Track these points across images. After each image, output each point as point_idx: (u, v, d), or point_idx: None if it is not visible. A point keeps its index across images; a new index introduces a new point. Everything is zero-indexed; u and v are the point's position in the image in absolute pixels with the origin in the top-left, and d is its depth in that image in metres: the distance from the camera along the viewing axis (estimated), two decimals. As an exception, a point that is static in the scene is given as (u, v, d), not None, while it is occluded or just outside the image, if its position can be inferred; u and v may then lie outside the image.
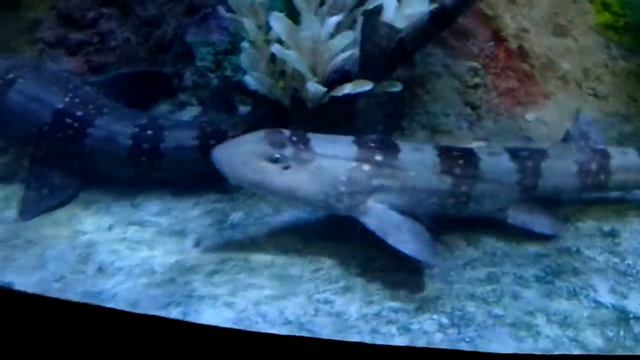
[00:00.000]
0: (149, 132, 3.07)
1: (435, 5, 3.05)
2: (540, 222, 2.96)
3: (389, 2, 3.24)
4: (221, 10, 3.16)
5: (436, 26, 3.04)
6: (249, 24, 3.06)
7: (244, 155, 2.69)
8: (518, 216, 2.95)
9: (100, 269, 2.74)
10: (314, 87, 3.03)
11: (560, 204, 3.03)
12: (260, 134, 2.74)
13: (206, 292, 2.62)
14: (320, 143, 2.77)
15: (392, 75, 3.24)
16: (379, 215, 2.73)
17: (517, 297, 2.65)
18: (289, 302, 2.60)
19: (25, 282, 2.60)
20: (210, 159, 2.71)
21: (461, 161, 2.85)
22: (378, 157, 2.77)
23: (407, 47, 3.08)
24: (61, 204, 3.05)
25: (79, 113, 3.07)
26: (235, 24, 3.21)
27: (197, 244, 2.89)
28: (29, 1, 4.53)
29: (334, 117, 3.12)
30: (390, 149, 2.80)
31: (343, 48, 3.04)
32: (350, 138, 2.82)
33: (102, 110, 3.11)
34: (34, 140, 3.06)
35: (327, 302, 2.62)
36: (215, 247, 2.87)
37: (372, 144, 2.80)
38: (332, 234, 2.92)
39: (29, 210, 3.00)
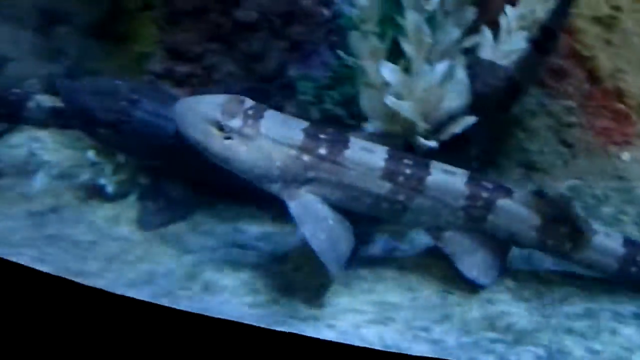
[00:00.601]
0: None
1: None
2: (469, 262, 2.85)
3: (485, 40, 3.32)
4: (341, 53, 3.27)
5: (541, 51, 3.07)
6: (370, 67, 3.15)
7: (196, 114, 2.79)
8: (450, 244, 2.86)
9: (206, 287, 2.86)
10: (426, 142, 3.10)
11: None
12: (221, 98, 2.82)
13: (309, 314, 2.71)
14: (271, 123, 2.79)
15: (505, 115, 3.30)
16: (306, 205, 2.76)
17: (615, 333, 2.65)
18: (387, 327, 2.67)
19: (136, 296, 2.74)
20: None
21: (409, 171, 2.80)
22: (322, 150, 2.78)
23: (517, 83, 3.13)
24: (179, 218, 3.22)
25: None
26: (354, 66, 3.28)
27: (297, 269, 2.99)
28: (136, 35, 4.81)
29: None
30: (339, 145, 2.79)
31: (453, 93, 3.10)
32: (303, 125, 2.83)
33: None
34: (158, 153, 3.24)
35: (424, 329, 2.67)
36: (315, 272, 2.96)
37: (323, 136, 2.80)
38: (429, 266, 2.99)
39: (149, 221, 3.18)
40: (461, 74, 3.14)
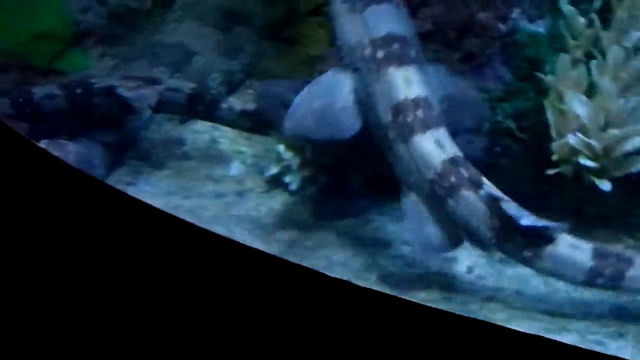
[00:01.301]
0: None
1: None
2: (419, 229, 2.85)
3: None
4: (540, 75, 3.29)
5: None
6: (569, 94, 3.12)
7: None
8: (410, 205, 2.86)
9: (382, 279, 2.99)
10: (599, 183, 3.08)
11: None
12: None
13: (482, 315, 2.78)
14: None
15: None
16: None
17: None
18: (562, 337, 2.69)
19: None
20: None
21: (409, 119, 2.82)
22: None
23: None
24: (353, 214, 3.36)
25: None
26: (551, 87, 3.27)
27: (470, 270, 3.07)
28: (307, 39, 5.02)
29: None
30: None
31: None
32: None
33: None
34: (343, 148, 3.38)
35: (599, 343, 2.69)
36: (487, 276, 3.03)
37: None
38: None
39: (324, 213, 3.35)
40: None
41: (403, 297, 2.71)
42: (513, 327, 2.61)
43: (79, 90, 3.56)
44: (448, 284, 3.00)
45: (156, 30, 4.49)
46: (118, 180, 3.48)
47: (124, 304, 2.38)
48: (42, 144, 3.29)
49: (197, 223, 2.75)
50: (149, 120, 3.80)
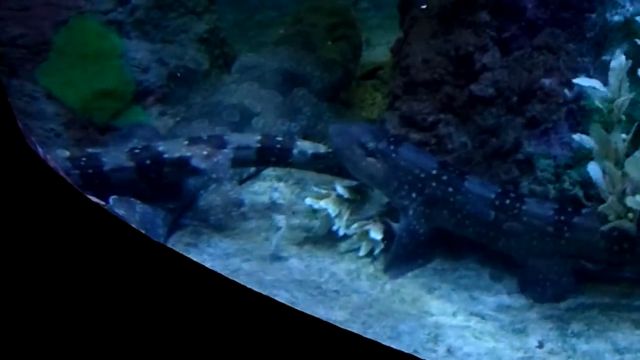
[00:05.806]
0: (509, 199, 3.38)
1: None
2: None
3: None
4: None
5: None
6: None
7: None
8: None
9: (450, 351, 2.87)
10: None
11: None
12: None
13: (557, 393, 2.64)
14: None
15: None
16: None
17: None
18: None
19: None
20: None
21: None
22: None
23: None
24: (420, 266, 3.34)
25: (451, 175, 3.46)
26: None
27: (541, 345, 2.93)
28: (363, 101, 5.04)
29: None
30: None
31: None
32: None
33: (465, 177, 3.48)
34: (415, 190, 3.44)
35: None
36: (560, 351, 2.89)
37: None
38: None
39: (395, 269, 3.30)
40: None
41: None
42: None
43: (148, 162, 3.50)
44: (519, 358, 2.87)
45: (215, 91, 4.52)
46: (179, 240, 3.44)
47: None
48: (112, 199, 3.26)
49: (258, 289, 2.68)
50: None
